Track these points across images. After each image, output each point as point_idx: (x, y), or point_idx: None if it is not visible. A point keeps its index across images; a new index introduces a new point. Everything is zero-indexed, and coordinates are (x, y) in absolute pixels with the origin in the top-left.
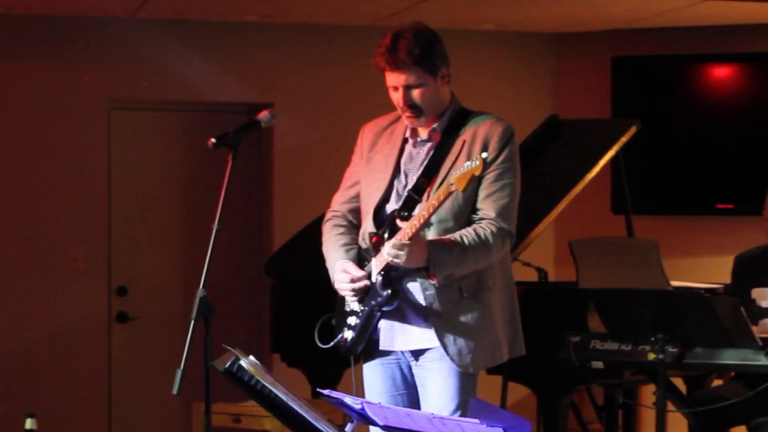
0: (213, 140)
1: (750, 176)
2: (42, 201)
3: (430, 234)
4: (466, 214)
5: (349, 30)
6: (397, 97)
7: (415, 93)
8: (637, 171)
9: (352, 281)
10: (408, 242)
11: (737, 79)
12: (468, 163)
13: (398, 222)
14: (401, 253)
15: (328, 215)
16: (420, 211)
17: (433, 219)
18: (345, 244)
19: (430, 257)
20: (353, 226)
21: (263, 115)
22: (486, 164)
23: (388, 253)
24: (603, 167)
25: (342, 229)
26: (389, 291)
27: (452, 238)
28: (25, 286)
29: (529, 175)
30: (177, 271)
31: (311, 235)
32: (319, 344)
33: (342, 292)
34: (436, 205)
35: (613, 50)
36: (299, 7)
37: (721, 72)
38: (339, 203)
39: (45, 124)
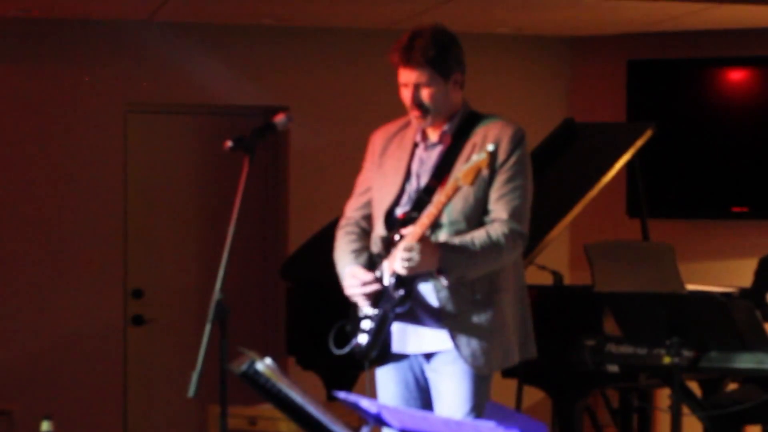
0: (230, 143)
1: (765, 180)
2: (58, 203)
3: (442, 236)
4: (477, 216)
5: (365, 33)
6: (406, 94)
7: (424, 93)
8: (652, 174)
9: (363, 285)
10: (417, 243)
11: (752, 82)
12: (475, 157)
13: (403, 231)
14: (413, 254)
15: (341, 223)
16: (429, 209)
17: (445, 221)
18: (354, 250)
19: (442, 259)
20: (365, 233)
21: (279, 118)
22: (492, 157)
23: (401, 257)
24: (618, 171)
25: (353, 236)
26: (402, 291)
27: (463, 240)
28: (41, 288)
29: (544, 179)
30: (192, 274)
31: (326, 238)
32: (334, 351)
33: (353, 298)
34: (444, 201)
35: (628, 54)
36: (315, 10)
37: (736, 75)
38: (352, 210)
39: (61, 126)
